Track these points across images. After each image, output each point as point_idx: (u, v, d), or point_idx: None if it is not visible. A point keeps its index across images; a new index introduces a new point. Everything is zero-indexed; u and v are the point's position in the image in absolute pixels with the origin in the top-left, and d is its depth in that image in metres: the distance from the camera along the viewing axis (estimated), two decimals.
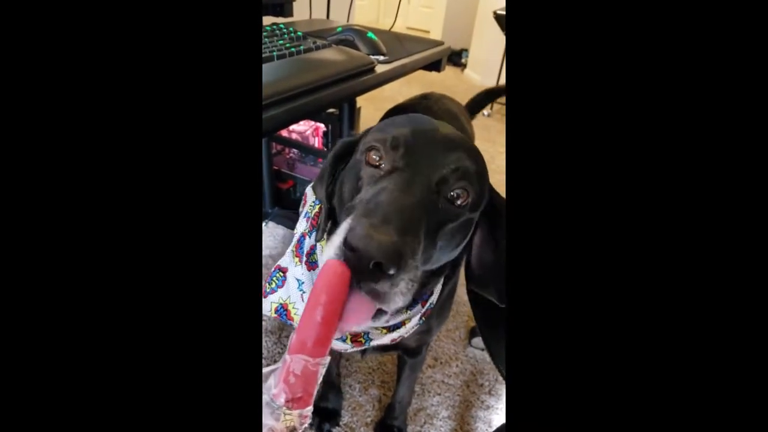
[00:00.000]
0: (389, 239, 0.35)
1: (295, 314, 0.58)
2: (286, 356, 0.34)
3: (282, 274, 0.61)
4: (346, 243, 0.36)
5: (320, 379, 0.35)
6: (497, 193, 0.53)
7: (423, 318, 0.59)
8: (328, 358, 0.35)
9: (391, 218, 0.37)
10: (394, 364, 1.10)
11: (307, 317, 0.35)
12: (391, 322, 0.55)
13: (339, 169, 0.53)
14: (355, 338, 0.56)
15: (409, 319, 0.57)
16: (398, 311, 0.55)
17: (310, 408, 0.34)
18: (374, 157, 0.46)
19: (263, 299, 0.60)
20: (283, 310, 0.59)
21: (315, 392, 0.34)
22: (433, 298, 0.58)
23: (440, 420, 1.00)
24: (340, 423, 0.97)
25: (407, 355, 0.82)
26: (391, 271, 0.35)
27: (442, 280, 0.59)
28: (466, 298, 0.66)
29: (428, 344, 0.83)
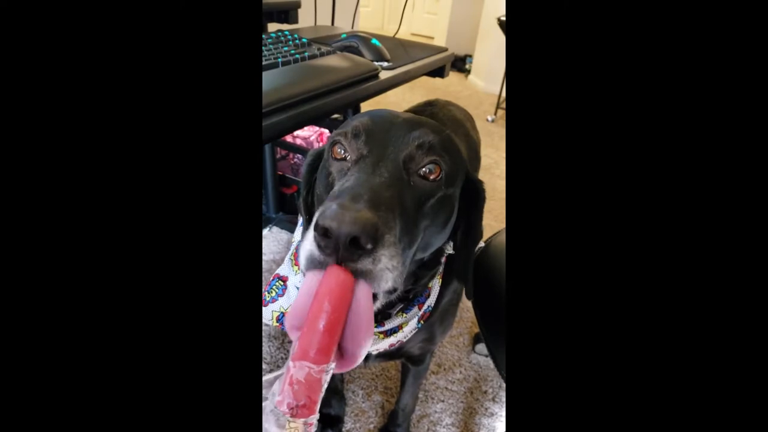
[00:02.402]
0: (360, 213, 0.34)
1: None
2: (289, 363, 0.33)
3: (282, 282, 0.61)
4: (317, 227, 0.34)
5: (325, 387, 0.34)
6: (475, 176, 0.53)
7: (421, 322, 0.58)
8: (333, 366, 0.34)
9: (360, 196, 0.36)
10: (397, 371, 1.09)
11: (310, 325, 0.34)
12: (388, 326, 0.55)
13: (313, 179, 0.53)
14: None
15: (406, 322, 0.56)
16: (395, 314, 0.55)
17: (316, 416, 0.33)
18: (339, 150, 0.46)
19: (264, 308, 0.60)
20: (285, 319, 0.59)
21: (319, 400, 0.33)
22: (431, 301, 0.58)
23: (443, 427, 0.99)
24: (343, 429, 0.96)
25: (411, 363, 0.81)
26: (369, 245, 0.34)
27: (436, 278, 0.59)
28: (469, 303, 0.65)
29: (432, 352, 0.83)
